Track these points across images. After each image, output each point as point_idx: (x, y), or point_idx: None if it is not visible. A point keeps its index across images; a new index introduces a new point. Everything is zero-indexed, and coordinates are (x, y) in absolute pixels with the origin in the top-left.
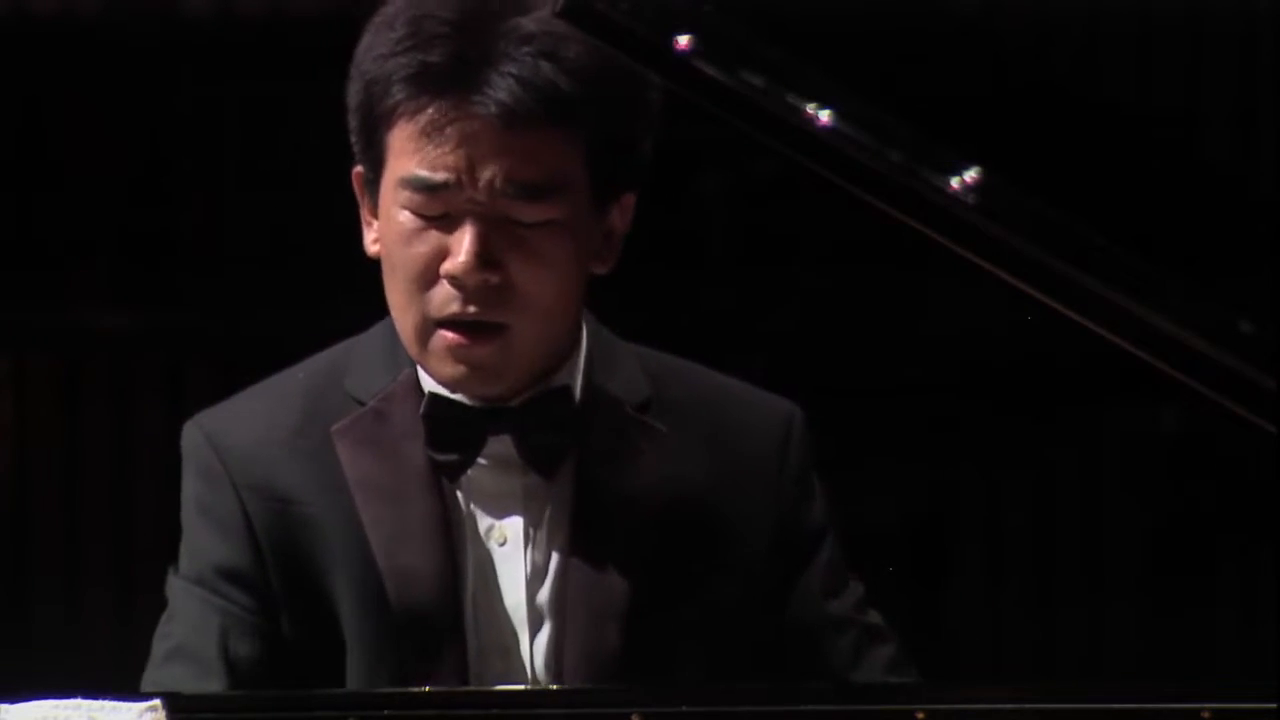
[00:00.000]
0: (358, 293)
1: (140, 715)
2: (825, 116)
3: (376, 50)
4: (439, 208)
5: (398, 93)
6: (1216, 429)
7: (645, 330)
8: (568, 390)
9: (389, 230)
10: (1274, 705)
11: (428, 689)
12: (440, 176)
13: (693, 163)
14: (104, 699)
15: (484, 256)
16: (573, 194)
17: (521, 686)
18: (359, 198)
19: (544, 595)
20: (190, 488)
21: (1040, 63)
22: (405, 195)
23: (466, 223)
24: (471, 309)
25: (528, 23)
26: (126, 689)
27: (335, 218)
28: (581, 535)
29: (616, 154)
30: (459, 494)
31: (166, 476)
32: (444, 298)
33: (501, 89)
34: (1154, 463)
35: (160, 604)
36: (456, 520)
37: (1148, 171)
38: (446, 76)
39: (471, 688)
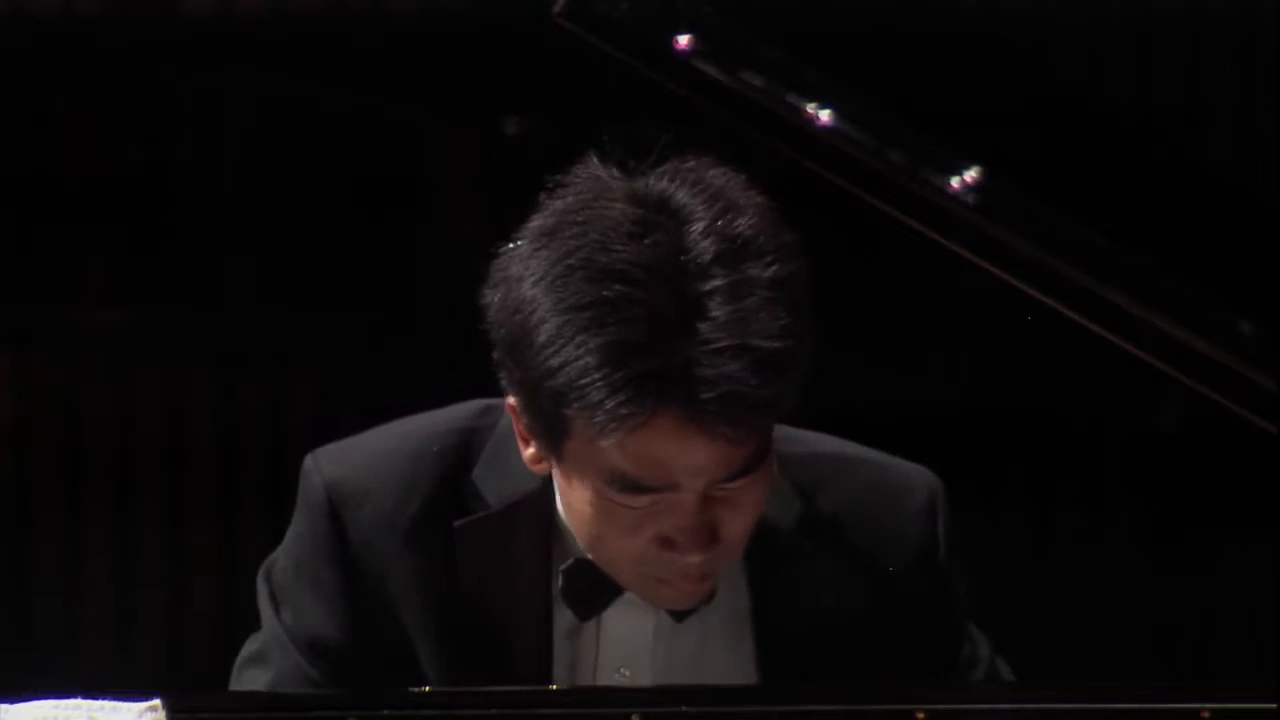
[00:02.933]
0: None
1: (140, 715)
2: (825, 116)
3: (565, 355)
4: (648, 501)
5: (606, 430)
6: (1216, 429)
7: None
8: None
9: (583, 497)
10: (1274, 705)
11: (427, 689)
12: (654, 482)
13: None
14: (104, 699)
15: (705, 539)
16: (770, 444)
17: (521, 687)
18: (513, 418)
19: None
20: (305, 544)
21: (1040, 63)
22: (608, 483)
23: (682, 510)
24: (694, 574)
25: (717, 322)
26: (126, 689)
27: (335, 218)
28: (767, 660)
29: (798, 389)
30: (579, 627)
31: (167, 476)
32: (664, 567)
33: (715, 413)
34: (1154, 463)
35: (159, 604)
36: (568, 652)
37: (1147, 171)
38: (657, 408)
39: (472, 688)
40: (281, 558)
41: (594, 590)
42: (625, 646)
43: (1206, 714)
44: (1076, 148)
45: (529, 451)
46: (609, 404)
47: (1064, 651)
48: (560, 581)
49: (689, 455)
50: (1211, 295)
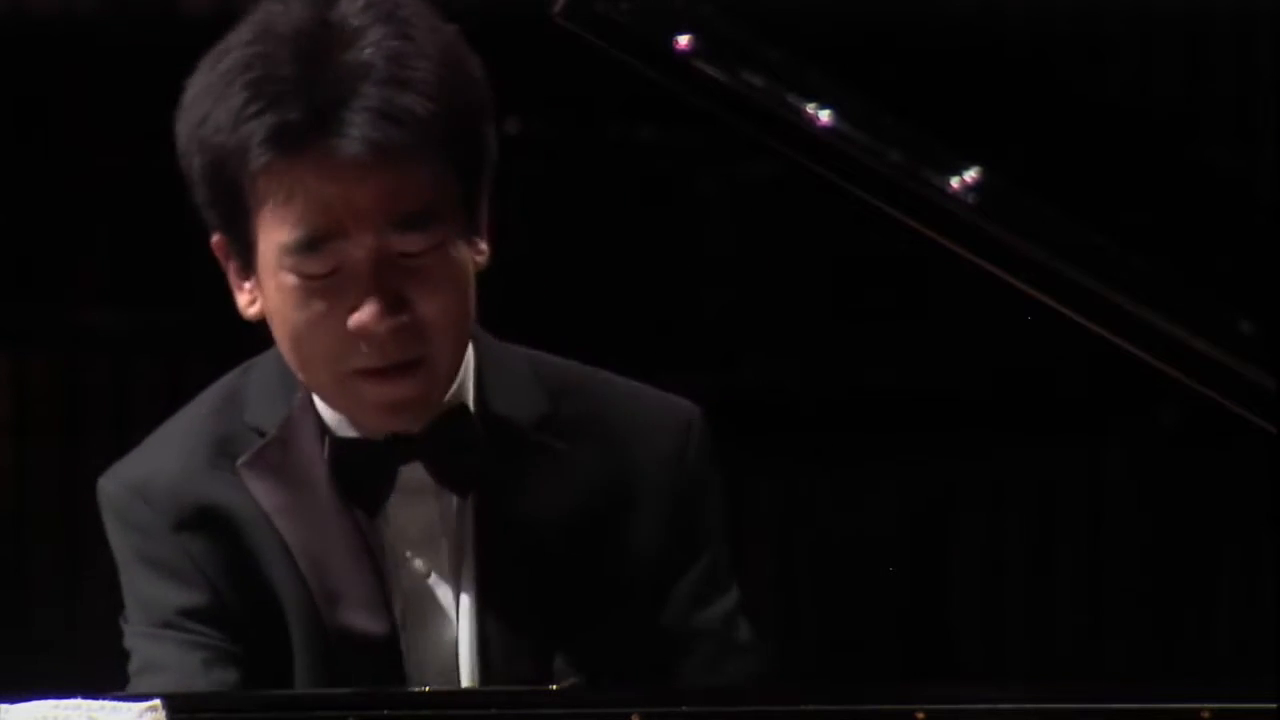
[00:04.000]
0: None
1: (140, 715)
2: (825, 116)
3: (217, 119)
4: (327, 264)
5: (257, 158)
6: (1217, 429)
7: (645, 330)
8: (464, 408)
9: (277, 296)
10: (1274, 705)
11: (427, 689)
12: (321, 233)
13: (693, 163)
14: (104, 699)
15: (389, 301)
16: (450, 210)
17: (522, 687)
18: (222, 262)
19: (466, 617)
20: (125, 541)
21: (1040, 63)
22: (289, 260)
23: (360, 271)
24: (389, 354)
25: (367, 53)
26: (126, 689)
27: None
28: (490, 560)
29: (478, 157)
30: (378, 522)
31: None
32: (356, 350)
33: (362, 126)
34: (1154, 463)
35: None
36: (377, 545)
37: (1147, 171)
38: (304, 130)
39: (472, 688)
40: (128, 582)
41: (365, 477)
42: (416, 533)
43: (1206, 714)
44: (1076, 148)
45: (242, 297)
46: (258, 129)
47: (1064, 651)
48: (328, 470)
49: (347, 190)
50: (1211, 295)
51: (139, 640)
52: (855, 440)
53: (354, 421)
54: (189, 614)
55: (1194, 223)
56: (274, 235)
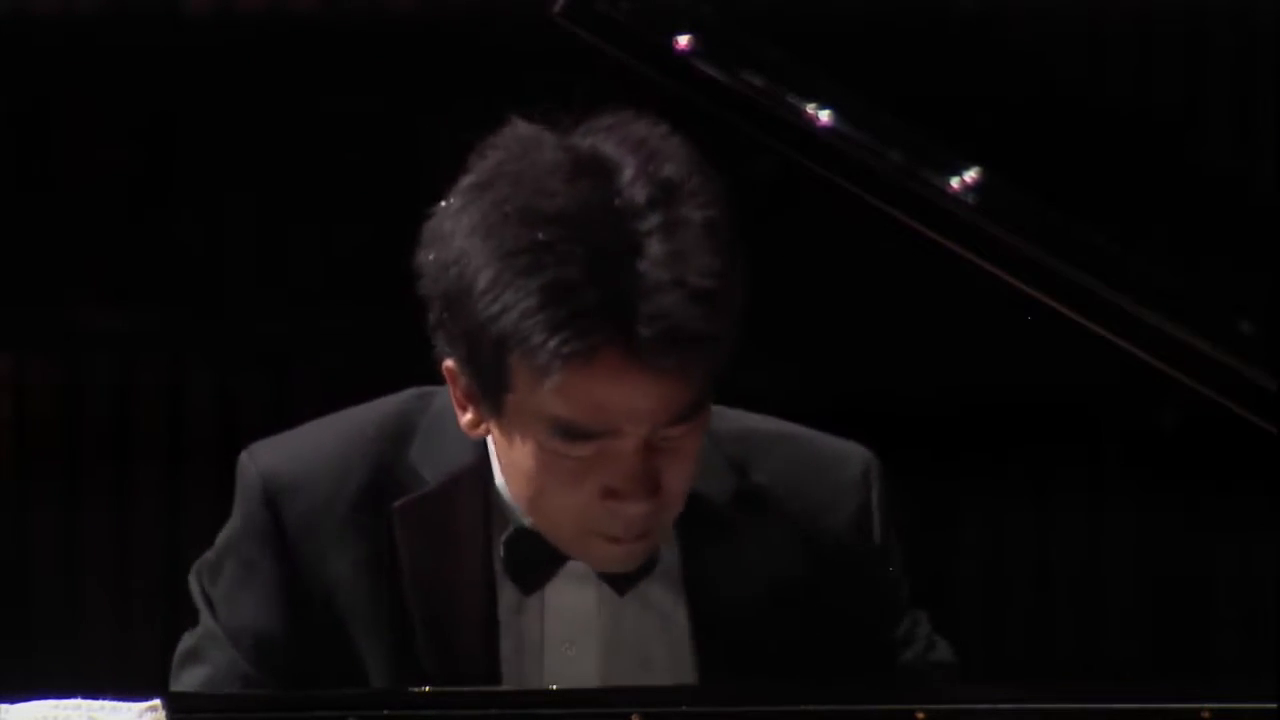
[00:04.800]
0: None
1: (140, 715)
2: (825, 116)
3: (496, 301)
4: (591, 449)
5: (550, 369)
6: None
7: None
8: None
9: (524, 452)
10: (1274, 705)
11: (427, 689)
12: (593, 430)
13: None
14: (104, 699)
15: (648, 485)
16: (710, 387)
17: (521, 687)
18: (449, 383)
19: None
20: (240, 536)
21: (1040, 63)
22: (549, 438)
23: (624, 455)
24: (636, 529)
25: (652, 259)
26: (126, 689)
27: (335, 218)
28: (691, 629)
29: (738, 328)
30: (523, 600)
31: (167, 476)
32: (607, 521)
33: (656, 349)
34: (1154, 462)
35: (160, 604)
36: (514, 626)
37: (1147, 171)
38: (598, 347)
39: (472, 688)
40: (216, 554)
41: (536, 561)
42: (570, 622)
43: (1206, 714)
44: (1076, 148)
45: (467, 417)
46: (551, 343)
47: (1064, 651)
48: (501, 553)
49: (631, 397)
50: (1211, 295)
51: (208, 631)
52: (854, 439)
53: (573, 557)
54: (260, 641)
55: (1194, 223)
56: (538, 410)
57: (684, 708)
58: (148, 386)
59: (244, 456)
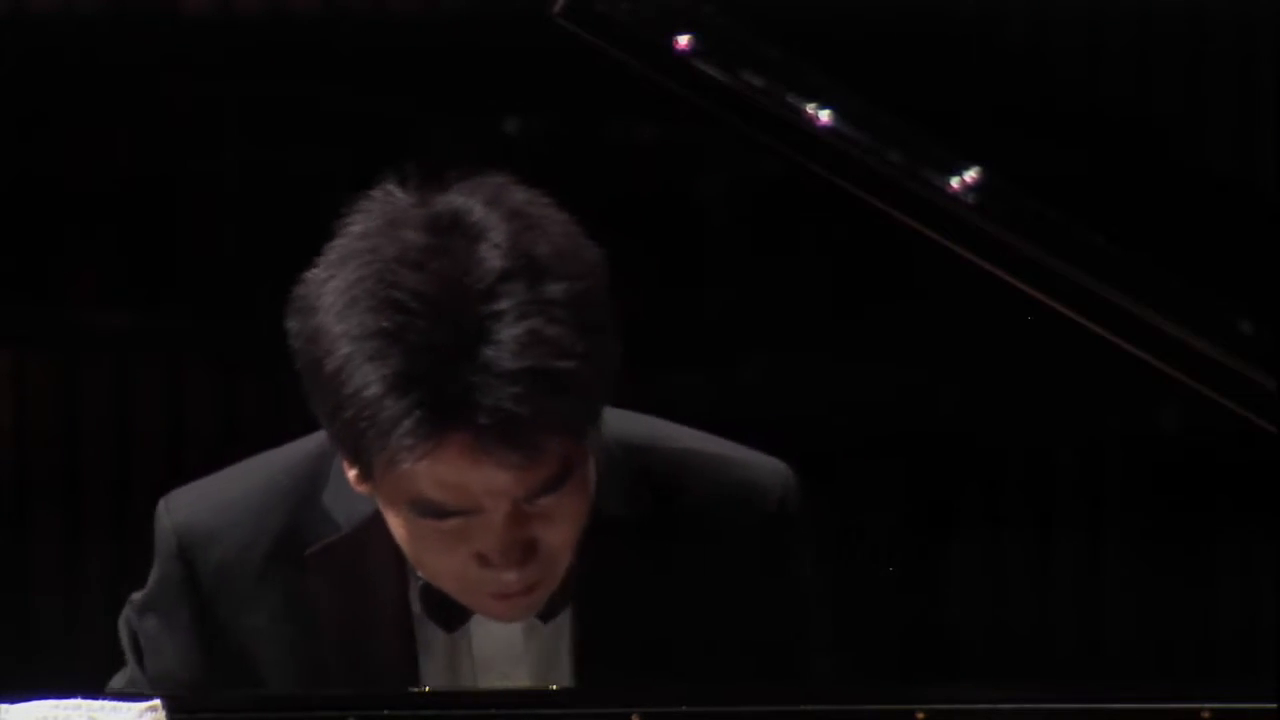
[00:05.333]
0: None
1: (140, 715)
2: (825, 116)
3: (355, 385)
4: (456, 524)
5: (395, 455)
6: (1217, 429)
7: (645, 330)
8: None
9: (396, 521)
10: (1274, 705)
11: (427, 689)
12: (455, 505)
13: (693, 163)
14: (104, 699)
15: (518, 555)
16: (582, 449)
17: (521, 687)
18: (341, 449)
19: None
20: (158, 588)
21: (1040, 63)
22: (413, 508)
23: (491, 529)
24: (514, 587)
25: (505, 348)
26: (126, 689)
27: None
28: (588, 669)
29: (609, 383)
30: (448, 638)
31: (166, 476)
32: (482, 583)
33: (499, 437)
34: (1154, 463)
35: None
36: (444, 662)
37: (1147, 171)
38: (443, 433)
39: (471, 688)
40: (141, 601)
41: (454, 602)
42: (499, 653)
43: (1207, 714)
44: (1076, 148)
45: (352, 473)
46: (395, 433)
47: (1064, 652)
48: (418, 596)
49: (483, 479)
50: (1211, 295)
51: (133, 677)
52: (855, 440)
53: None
54: (166, 681)
55: (1194, 223)
56: (400, 486)
57: (684, 708)
58: (148, 386)
59: (160, 507)
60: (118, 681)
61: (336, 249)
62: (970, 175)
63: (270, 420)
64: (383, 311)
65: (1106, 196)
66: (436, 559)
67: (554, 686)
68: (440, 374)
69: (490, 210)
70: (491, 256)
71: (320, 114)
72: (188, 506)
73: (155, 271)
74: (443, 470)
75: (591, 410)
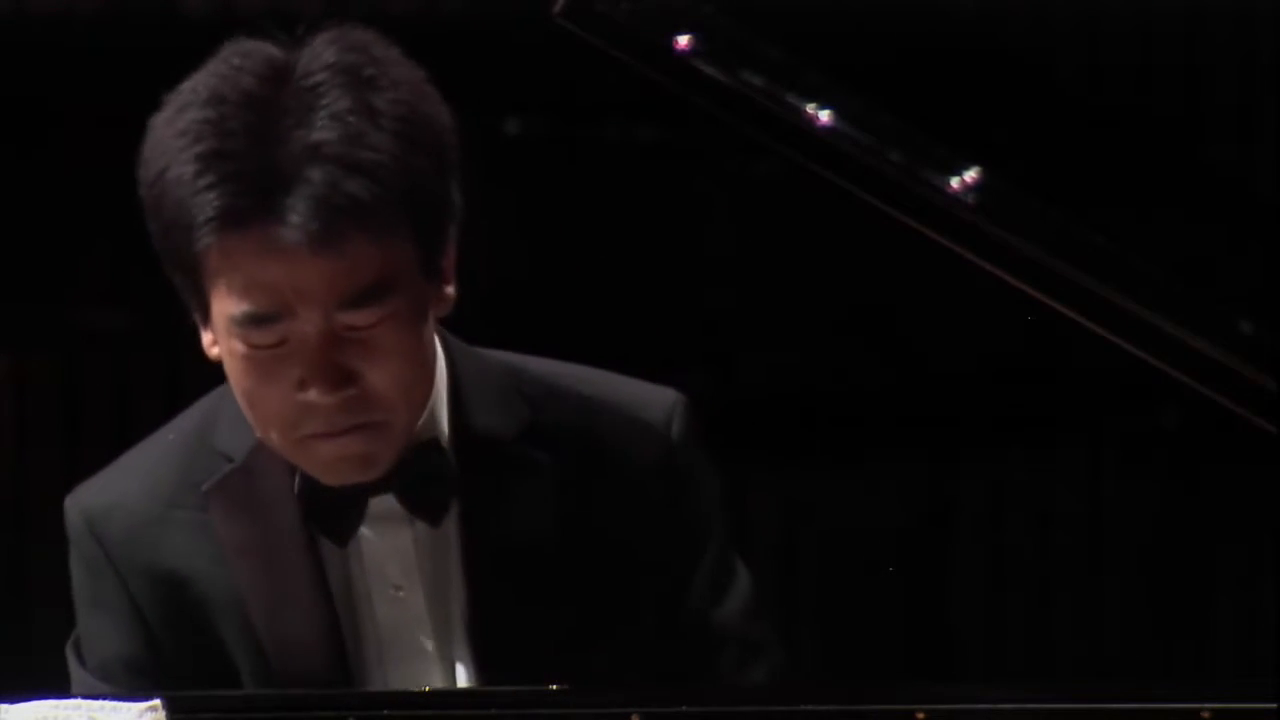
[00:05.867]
0: None
1: (140, 715)
2: (825, 116)
3: (166, 185)
4: (274, 337)
5: (202, 237)
6: (1217, 429)
7: (645, 330)
8: (434, 441)
9: (229, 359)
10: (1274, 705)
11: (427, 689)
12: (267, 311)
13: (693, 163)
14: (104, 699)
15: (336, 376)
16: (404, 277)
17: (521, 687)
18: (185, 299)
19: (459, 647)
20: (77, 575)
21: (1040, 63)
22: (236, 330)
23: (308, 346)
24: (338, 423)
25: (319, 131)
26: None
27: None
28: (478, 581)
29: (439, 218)
30: (348, 555)
31: None
32: (306, 418)
33: (304, 214)
34: (1154, 463)
35: None
36: (342, 581)
37: (1147, 172)
38: (248, 213)
39: (471, 688)
40: (76, 598)
41: (336, 508)
42: (392, 564)
43: (1207, 714)
44: (1076, 148)
45: (205, 337)
46: (205, 206)
47: (1064, 651)
48: (296, 501)
49: (293, 273)
50: (1211, 295)
51: (80, 680)
52: (855, 440)
53: (313, 475)
54: (126, 664)
55: (1194, 223)
56: (223, 305)
57: (684, 708)
58: (148, 386)
59: (67, 502)
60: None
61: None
62: (970, 175)
63: None
64: (211, 105)
65: (1106, 196)
66: (261, 394)
67: (553, 686)
68: (254, 153)
69: (331, 44)
70: (322, 65)
71: None
72: (88, 491)
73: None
74: (253, 263)
75: (409, 224)
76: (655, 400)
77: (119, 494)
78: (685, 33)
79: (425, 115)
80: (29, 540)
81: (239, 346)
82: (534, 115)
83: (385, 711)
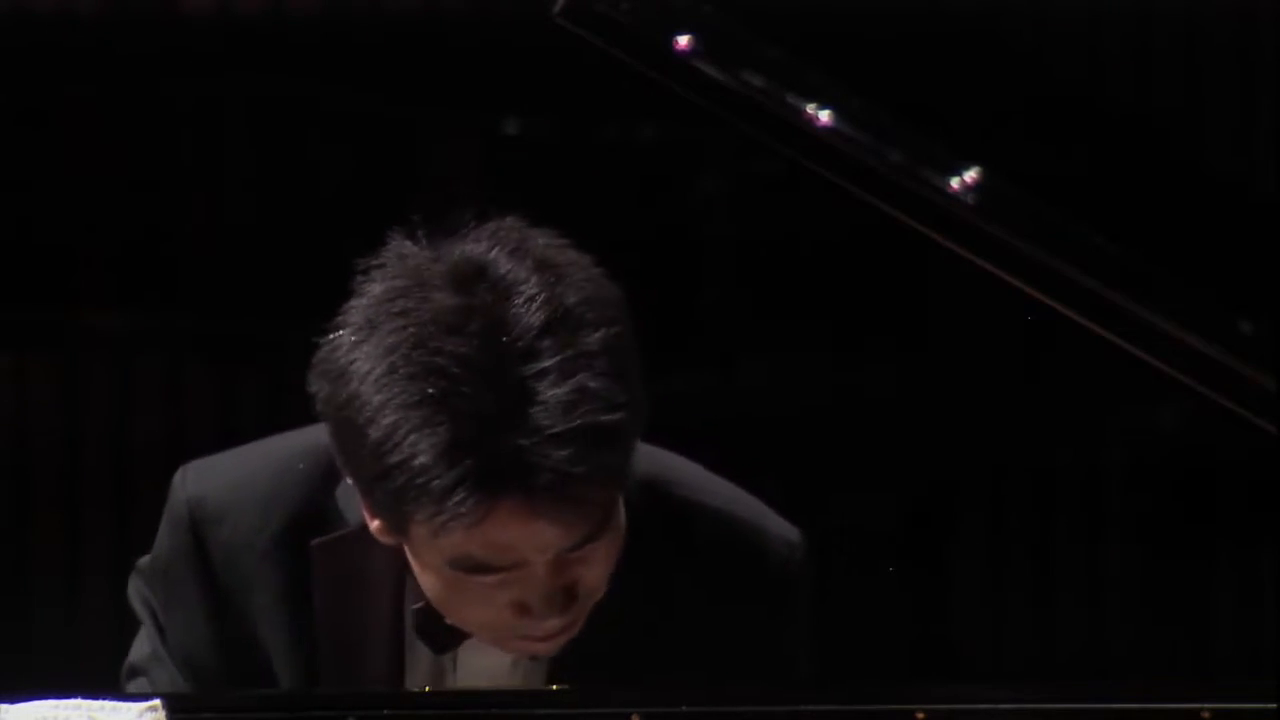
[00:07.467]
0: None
1: (140, 715)
2: (825, 116)
3: (398, 462)
4: (498, 578)
5: (434, 516)
6: (1217, 429)
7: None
8: None
9: (431, 574)
10: (1274, 705)
11: (427, 689)
12: (500, 563)
13: (693, 163)
14: (104, 699)
15: (560, 602)
16: (617, 498)
17: (521, 687)
18: (377, 510)
19: None
20: (169, 556)
21: (1040, 63)
22: (454, 565)
23: (534, 577)
24: (552, 631)
25: (553, 395)
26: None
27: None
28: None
29: (640, 424)
30: (442, 660)
31: (167, 477)
32: (517, 628)
33: (547, 488)
34: (1154, 463)
35: None
36: (427, 677)
37: (1147, 171)
38: (488, 497)
39: (471, 688)
40: (152, 566)
41: (447, 629)
42: (483, 679)
43: (1206, 714)
44: (1076, 148)
45: (375, 524)
46: (446, 503)
47: (1064, 651)
48: (412, 619)
49: (533, 537)
50: (1211, 295)
51: (149, 655)
52: (855, 440)
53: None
54: (189, 659)
55: (1194, 223)
56: (442, 545)
57: (684, 708)
58: (148, 386)
59: (177, 477)
60: (137, 652)
61: (360, 310)
62: (970, 175)
63: (271, 420)
64: (425, 379)
65: (1106, 196)
66: (471, 610)
67: (555, 686)
68: (490, 440)
69: (517, 262)
70: (526, 312)
71: (320, 114)
72: (204, 480)
73: (155, 271)
74: (494, 532)
75: (630, 459)
76: (773, 550)
77: (233, 504)
78: (685, 33)
79: (625, 334)
80: (30, 540)
81: (450, 576)
82: (534, 115)
83: (385, 711)
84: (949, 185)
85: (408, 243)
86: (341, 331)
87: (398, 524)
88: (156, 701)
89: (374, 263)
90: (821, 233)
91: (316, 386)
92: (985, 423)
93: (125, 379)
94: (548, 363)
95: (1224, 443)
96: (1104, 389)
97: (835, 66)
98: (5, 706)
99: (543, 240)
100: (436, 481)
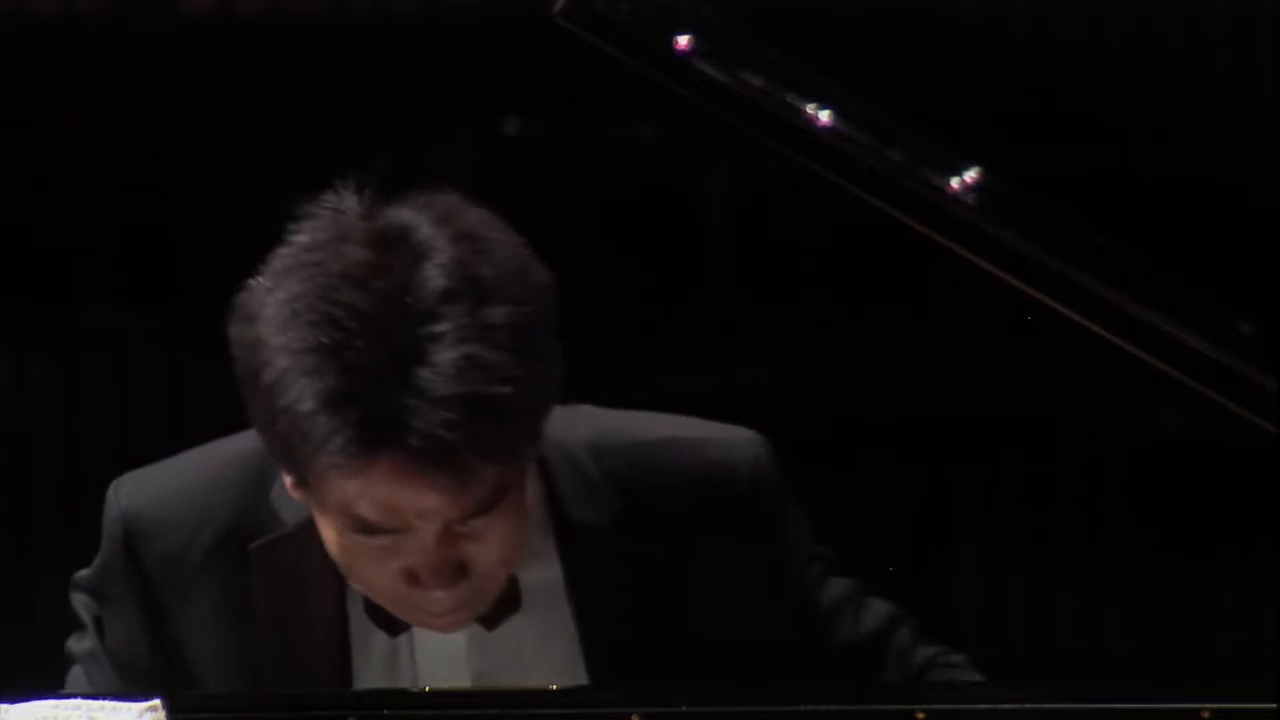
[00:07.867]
0: None
1: (140, 715)
2: (825, 116)
3: (285, 405)
4: (387, 540)
5: (321, 461)
6: (1217, 429)
7: (645, 330)
8: (512, 578)
9: (330, 533)
10: (1274, 705)
11: (427, 689)
12: (386, 523)
13: (693, 163)
14: (104, 699)
15: (448, 575)
16: (518, 471)
17: (522, 687)
18: (274, 456)
19: None
20: (104, 569)
21: (1040, 63)
22: (344, 523)
23: (422, 547)
24: (447, 606)
25: (447, 355)
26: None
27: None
28: (595, 665)
29: (548, 402)
30: (391, 642)
31: None
32: (412, 599)
33: (429, 451)
34: (1154, 463)
35: None
36: (381, 662)
37: (1147, 172)
38: (373, 446)
39: (471, 688)
40: (86, 581)
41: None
42: (441, 659)
43: (1206, 714)
44: (1076, 148)
45: (288, 480)
46: (326, 449)
47: (1064, 651)
48: (362, 603)
49: (413, 500)
50: (1211, 295)
51: (86, 643)
52: (855, 440)
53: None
54: (126, 659)
55: (1194, 223)
56: (333, 499)
57: (684, 708)
58: (148, 386)
59: (111, 491)
60: (73, 649)
61: (281, 258)
62: (970, 175)
63: None
64: (321, 327)
65: (1105, 197)
66: (367, 572)
67: (554, 686)
68: (374, 394)
69: (438, 229)
70: (434, 276)
71: (320, 114)
72: (136, 494)
73: (155, 271)
74: (373, 489)
75: (529, 433)
76: (739, 460)
77: (166, 517)
78: (685, 33)
79: (539, 315)
80: (29, 540)
81: (343, 537)
82: (534, 115)
83: (385, 711)
84: (949, 185)
85: (350, 198)
86: (260, 278)
87: (299, 476)
88: (156, 701)
89: (306, 213)
90: (821, 233)
91: (231, 329)
92: (985, 422)
93: (125, 379)
94: (444, 326)
95: (1224, 443)
96: (1104, 389)
97: (835, 66)
98: (5, 706)
99: (474, 214)
100: (317, 429)
